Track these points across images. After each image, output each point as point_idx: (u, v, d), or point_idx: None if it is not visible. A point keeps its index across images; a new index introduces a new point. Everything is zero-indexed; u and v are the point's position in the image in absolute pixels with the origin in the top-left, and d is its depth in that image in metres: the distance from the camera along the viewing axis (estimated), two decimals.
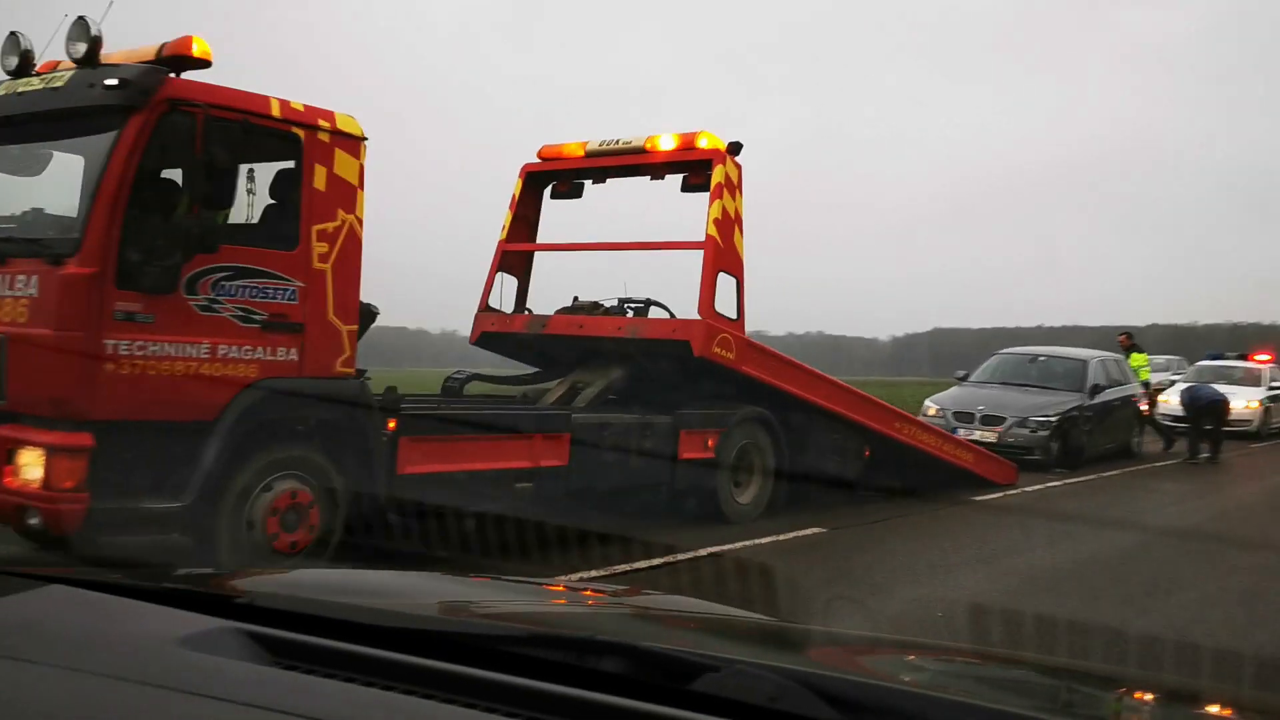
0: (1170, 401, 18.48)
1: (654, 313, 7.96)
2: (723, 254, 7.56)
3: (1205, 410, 14.82)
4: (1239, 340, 36.31)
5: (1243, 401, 19.70)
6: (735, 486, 7.85)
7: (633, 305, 7.97)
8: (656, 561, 5.88)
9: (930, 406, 13.05)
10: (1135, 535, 8.19)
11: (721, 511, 7.60)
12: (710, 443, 7.53)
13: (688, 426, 7.40)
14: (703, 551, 6.42)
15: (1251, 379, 20.85)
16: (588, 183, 8.54)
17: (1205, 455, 14.92)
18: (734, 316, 7.68)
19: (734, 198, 7.68)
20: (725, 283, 7.64)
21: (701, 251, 7.50)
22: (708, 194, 7.56)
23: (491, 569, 4.92)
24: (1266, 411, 20.18)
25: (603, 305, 8.04)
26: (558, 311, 8.27)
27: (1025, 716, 1.13)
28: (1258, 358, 21.86)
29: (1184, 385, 15.86)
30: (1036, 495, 10.37)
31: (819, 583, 5.98)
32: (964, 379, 14.14)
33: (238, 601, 1.25)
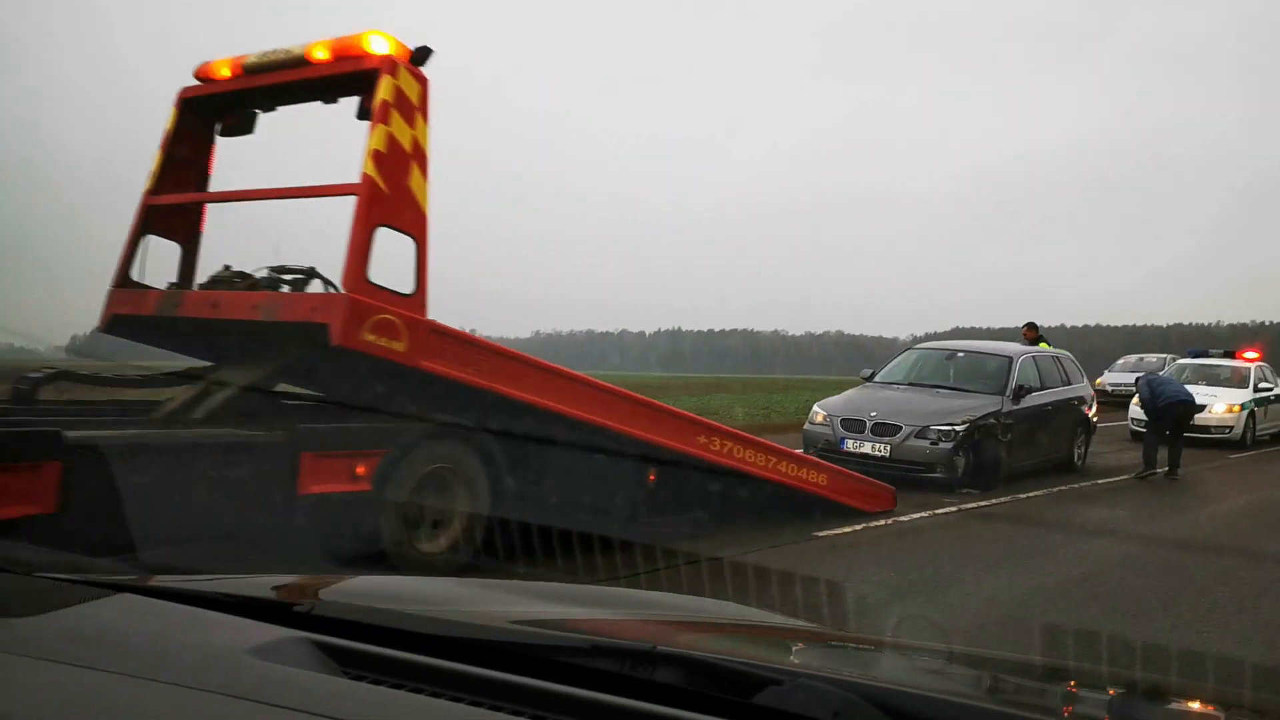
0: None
1: (314, 287, 5.75)
2: (386, 202, 5.34)
3: (1166, 410, 12.53)
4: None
5: (1222, 405, 17.33)
6: (420, 529, 5.62)
7: (288, 276, 5.76)
8: None
9: (818, 413, 10.77)
10: (982, 608, 5.91)
11: (392, 563, 5.38)
12: (362, 470, 5.29)
13: (315, 447, 5.14)
14: None
15: (1238, 379, 18.44)
16: (259, 112, 6.35)
17: (1164, 470, 12.63)
18: (408, 291, 5.47)
19: (411, 124, 5.45)
20: (396, 244, 5.44)
21: (354, 198, 5.30)
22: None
23: None
24: (1252, 416, 17.75)
25: (252, 276, 5.83)
26: (200, 285, 6.09)
27: None
28: (1246, 355, 19.43)
29: (1144, 376, 13.48)
30: (899, 531, 8.05)
31: None
32: (870, 378, 11.84)
33: (302, 611, 1.25)
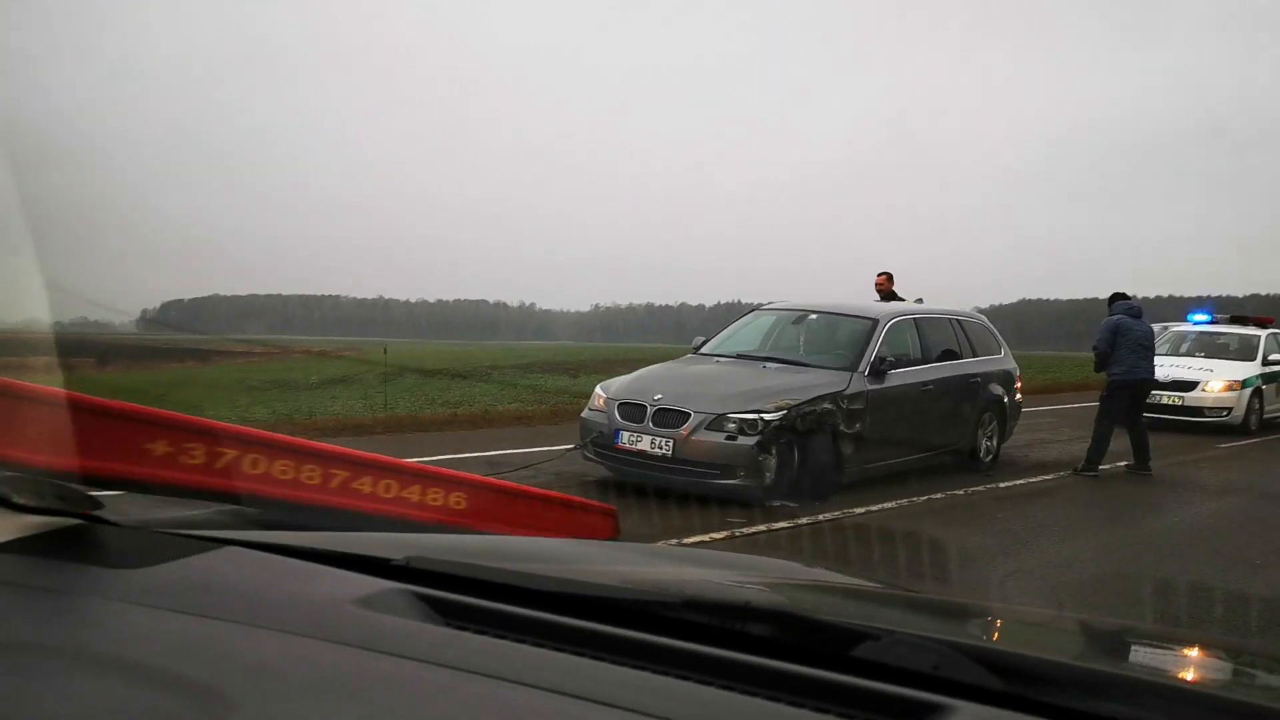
0: None
1: None
2: None
3: (1126, 383, 9.78)
4: None
5: (1218, 382, 14.19)
6: None
7: None
8: None
9: (599, 395, 8.04)
10: None
11: None
12: None
13: None
14: None
15: (1246, 351, 15.24)
16: None
17: (1126, 464, 9.83)
18: None
19: None
20: None
21: None
22: None
23: None
24: (1258, 396, 14.56)
25: None
26: None
27: (1215, 697, 1.04)
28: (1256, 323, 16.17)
29: (1110, 320, 10.34)
30: None
31: None
32: (700, 348, 9.04)
33: (400, 564, 1.25)
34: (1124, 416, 10.00)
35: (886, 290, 11.40)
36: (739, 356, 8.52)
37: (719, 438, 7.22)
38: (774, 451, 7.29)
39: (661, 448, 7.32)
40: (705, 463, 7.21)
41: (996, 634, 1.45)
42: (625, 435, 7.50)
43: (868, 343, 8.31)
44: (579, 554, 1.78)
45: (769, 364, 8.23)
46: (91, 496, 1.29)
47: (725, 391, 7.59)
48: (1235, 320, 16.38)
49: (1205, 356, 15.13)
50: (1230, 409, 14.08)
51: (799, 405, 7.46)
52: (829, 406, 7.66)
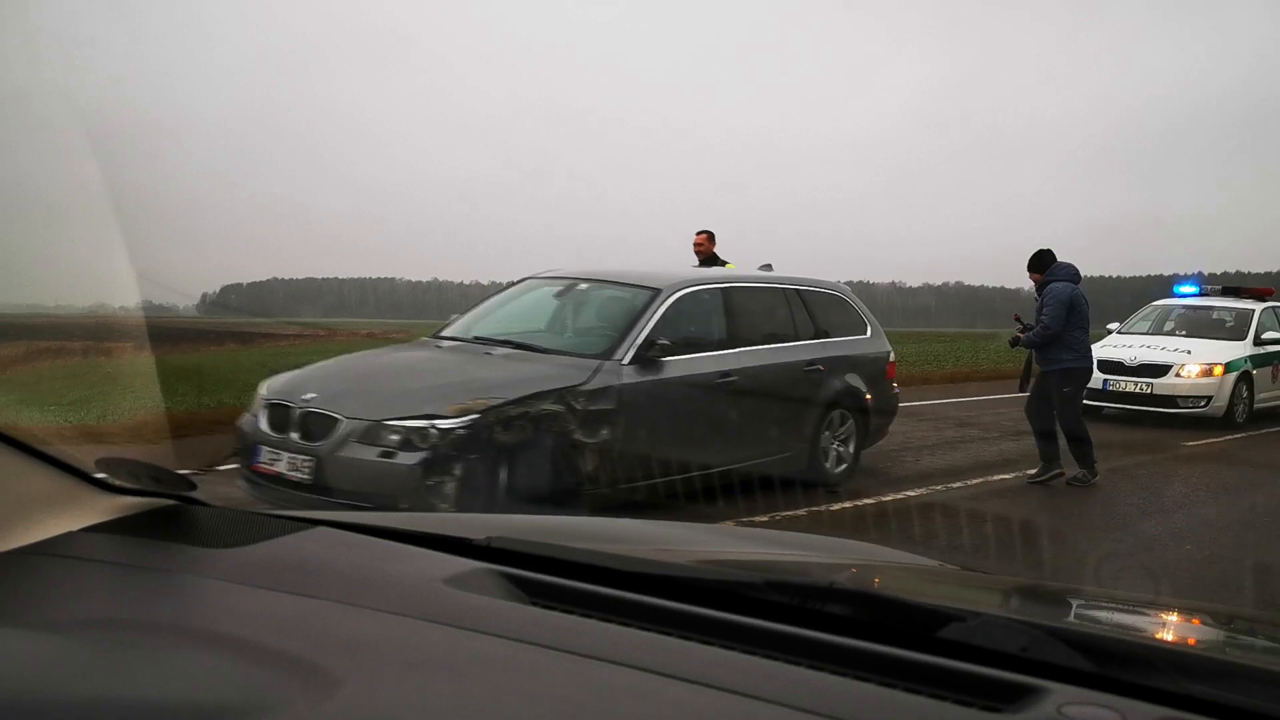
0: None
1: None
2: None
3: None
4: None
5: (1195, 366, 11.80)
6: None
7: None
8: None
9: (261, 389, 5.95)
10: None
11: None
12: None
13: None
14: None
15: (1239, 328, 12.81)
16: None
17: (1072, 475, 7.76)
18: None
19: None
20: None
21: None
22: None
23: None
24: (1246, 382, 12.15)
25: None
26: None
27: None
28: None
29: (1062, 290, 8.05)
30: None
31: None
32: (442, 330, 6.91)
33: (483, 545, 1.27)
34: (1051, 411, 7.87)
35: (706, 253, 9.20)
36: (475, 340, 6.41)
37: (371, 455, 5.13)
38: (456, 473, 5.18)
39: (301, 469, 5.26)
40: (353, 492, 5.13)
41: (1085, 617, 1.41)
42: (265, 452, 5.45)
43: (637, 321, 6.16)
44: (655, 534, 1.84)
45: (497, 351, 6.11)
46: (186, 478, 1.31)
47: (396, 389, 5.50)
48: (1228, 292, 13.90)
49: (1190, 336, 12.73)
50: (1209, 398, 11.67)
51: (499, 407, 5.35)
52: (552, 408, 5.53)
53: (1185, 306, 13.44)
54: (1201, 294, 13.73)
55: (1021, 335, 7.95)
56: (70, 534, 1.19)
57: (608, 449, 5.70)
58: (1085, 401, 11.30)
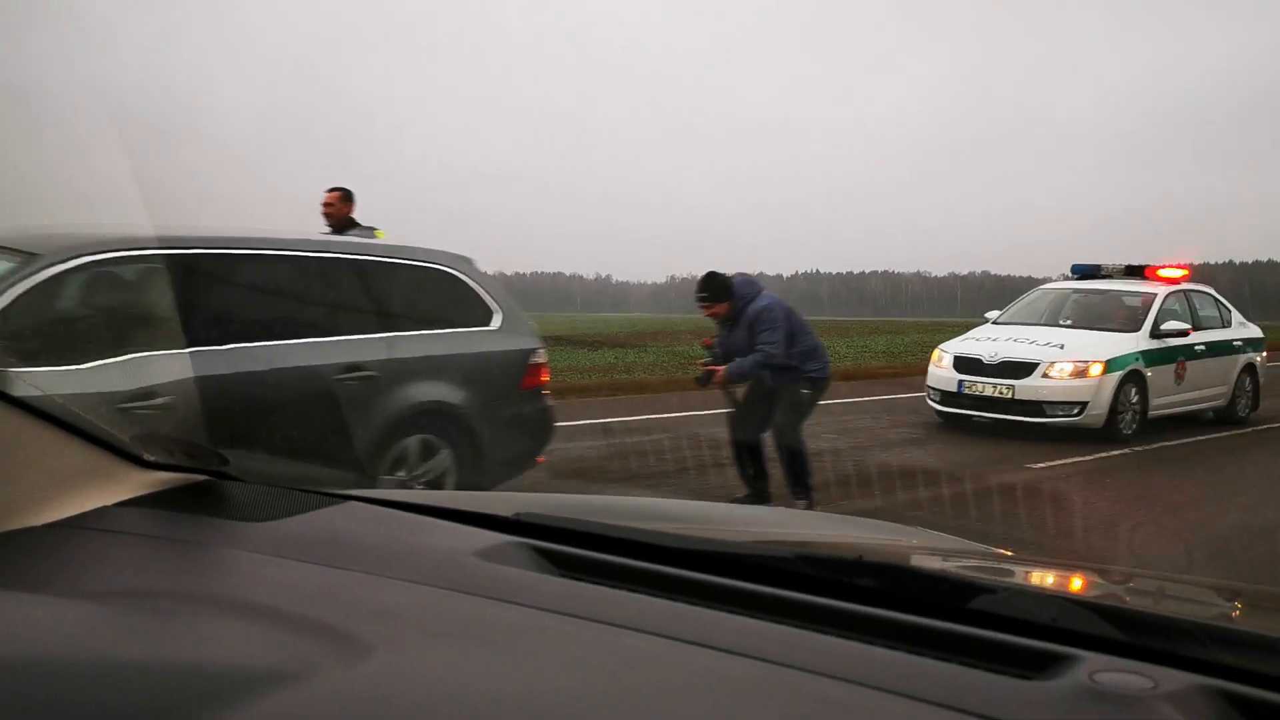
0: (944, 365, 9.08)
1: None
2: None
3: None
4: None
5: (1067, 365, 9.37)
6: None
7: None
8: None
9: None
10: None
11: None
12: None
13: None
14: None
15: (1132, 318, 10.40)
16: None
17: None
18: None
19: None
20: None
21: None
22: None
23: None
24: (1137, 384, 9.75)
25: None
26: None
27: None
28: (1162, 273, 11.23)
29: (777, 306, 6.50)
30: None
31: None
32: None
33: (512, 519, 1.28)
34: (760, 425, 5.91)
35: (340, 216, 7.00)
36: None
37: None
38: None
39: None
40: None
41: (1117, 590, 1.42)
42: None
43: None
44: (682, 511, 1.92)
45: None
46: (219, 453, 1.31)
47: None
48: (1131, 272, 11.47)
49: (1077, 327, 10.36)
50: (1084, 404, 9.29)
51: None
52: None
53: (1078, 291, 11.07)
54: (1094, 275, 11.35)
55: (714, 369, 6.30)
56: (106, 508, 1.21)
57: None
58: (943, 408, 9.27)
